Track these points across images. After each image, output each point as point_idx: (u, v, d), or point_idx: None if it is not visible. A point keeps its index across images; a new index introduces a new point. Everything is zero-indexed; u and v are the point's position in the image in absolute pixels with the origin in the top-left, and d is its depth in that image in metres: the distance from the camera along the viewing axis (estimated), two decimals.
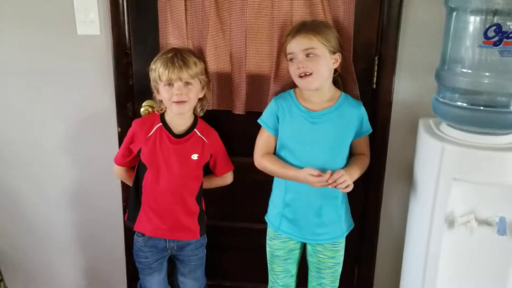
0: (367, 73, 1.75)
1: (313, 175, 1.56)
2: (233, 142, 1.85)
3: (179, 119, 1.72)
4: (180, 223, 1.75)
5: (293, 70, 1.60)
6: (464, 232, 1.50)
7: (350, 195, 1.78)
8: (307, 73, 1.56)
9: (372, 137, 1.77)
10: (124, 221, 2.00)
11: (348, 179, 1.56)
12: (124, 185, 1.97)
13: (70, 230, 2.15)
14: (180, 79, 1.63)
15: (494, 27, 1.33)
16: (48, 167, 2.06)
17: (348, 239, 1.80)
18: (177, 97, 1.63)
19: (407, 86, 1.74)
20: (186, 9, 1.73)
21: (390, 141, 1.81)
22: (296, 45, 1.57)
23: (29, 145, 2.03)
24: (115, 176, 1.89)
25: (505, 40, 1.32)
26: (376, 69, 1.74)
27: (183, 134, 1.72)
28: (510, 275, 1.50)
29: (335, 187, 1.55)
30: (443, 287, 1.58)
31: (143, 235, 1.77)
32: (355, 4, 1.65)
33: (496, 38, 1.33)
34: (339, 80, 1.71)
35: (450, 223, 1.50)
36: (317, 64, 1.56)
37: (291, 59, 1.60)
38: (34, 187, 2.10)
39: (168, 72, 1.62)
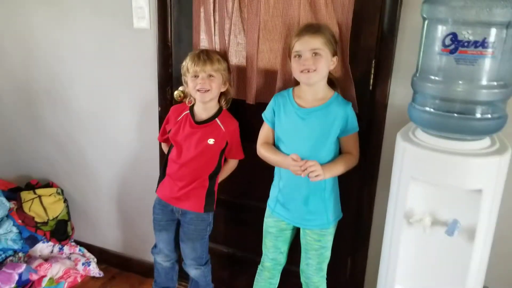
0: (366, 75, 1.86)
1: (293, 159, 1.75)
2: (248, 128, 2.07)
3: (204, 110, 2.01)
4: (188, 192, 2.02)
5: (296, 66, 1.75)
6: (421, 230, 1.57)
7: (345, 191, 1.92)
8: (310, 70, 1.71)
9: (367, 137, 1.89)
10: None
11: (319, 169, 1.71)
12: (161, 155, 2.34)
13: (117, 188, 2.60)
14: (204, 71, 1.92)
15: (451, 36, 1.39)
16: (106, 133, 2.52)
17: (343, 232, 1.94)
18: (200, 85, 1.93)
19: (402, 90, 1.81)
20: (214, 10, 2.03)
21: (384, 141, 1.90)
22: (305, 44, 1.71)
23: (98, 114, 2.51)
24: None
25: (460, 48, 1.38)
26: (373, 72, 1.85)
27: (204, 121, 2.01)
28: (465, 276, 1.52)
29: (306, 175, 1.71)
30: (402, 282, 1.65)
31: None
32: (356, 11, 1.78)
33: (452, 46, 1.39)
34: (335, 81, 1.85)
35: (408, 220, 1.58)
36: (320, 63, 1.72)
37: (295, 56, 1.75)
38: (97, 149, 2.60)
39: (194, 65, 1.93)
